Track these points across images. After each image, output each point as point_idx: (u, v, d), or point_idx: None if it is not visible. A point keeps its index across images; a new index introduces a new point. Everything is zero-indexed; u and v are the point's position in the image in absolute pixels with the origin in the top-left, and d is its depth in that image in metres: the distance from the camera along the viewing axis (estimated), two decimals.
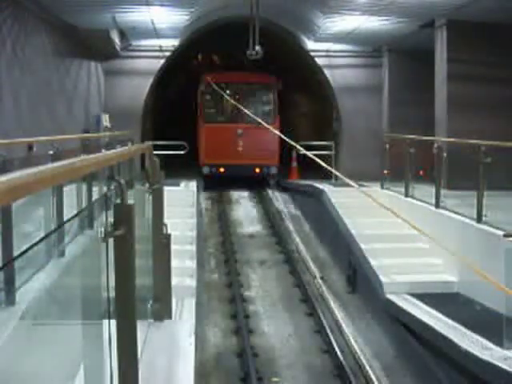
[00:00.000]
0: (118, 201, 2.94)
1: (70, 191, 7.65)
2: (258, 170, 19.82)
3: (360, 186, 11.45)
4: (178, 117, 30.15)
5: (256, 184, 20.32)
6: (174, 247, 5.44)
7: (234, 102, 18.59)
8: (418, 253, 10.64)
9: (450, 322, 8.12)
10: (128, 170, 9.89)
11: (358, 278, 11.45)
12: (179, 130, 24.22)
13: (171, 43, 18.31)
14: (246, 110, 16.65)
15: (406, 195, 12.44)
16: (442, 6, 13.16)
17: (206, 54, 32.47)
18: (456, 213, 10.28)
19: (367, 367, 8.74)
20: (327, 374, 8.86)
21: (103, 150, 10.33)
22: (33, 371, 3.15)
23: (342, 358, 8.94)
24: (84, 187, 8.43)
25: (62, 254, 5.19)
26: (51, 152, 7.85)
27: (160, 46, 18.45)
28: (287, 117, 25.40)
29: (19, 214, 5.80)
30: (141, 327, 3.41)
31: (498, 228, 8.73)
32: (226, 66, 28.56)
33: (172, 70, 22.13)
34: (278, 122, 19.86)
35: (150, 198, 4.75)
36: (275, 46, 19.93)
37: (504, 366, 6.52)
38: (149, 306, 4.73)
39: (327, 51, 18.92)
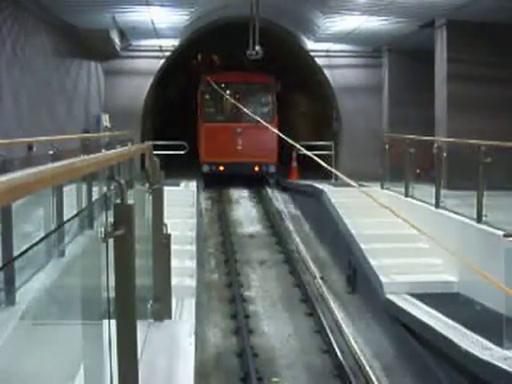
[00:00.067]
0: (118, 201, 2.94)
1: (70, 191, 7.65)
2: (256, 169, 20.04)
3: (360, 185, 11.43)
4: (177, 117, 30.16)
5: (255, 182, 20.41)
6: (173, 247, 5.44)
7: (234, 101, 18.67)
8: (418, 253, 10.64)
9: (450, 322, 8.12)
10: (128, 170, 9.88)
11: (358, 278, 11.44)
12: (179, 129, 24.27)
13: (171, 43, 18.31)
14: (245, 109, 16.71)
15: (406, 195, 12.44)
16: (441, 6, 13.16)
17: (205, 54, 32.49)
18: (456, 213, 10.27)
19: (367, 367, 8.74)
20: (327, 374, 8.86)
21: (103, 150, 10.33)
22: (33, 371, 3.15)
23: (341, 358, 8.94)
24: (84, 187, 8.43)
25: (62, 254, 5.19)
26: (51, 152, 7.85)
27: (160, 46, 18.45)
28: (287, 117, 25.40)
29: (19, 214, 5.80)
30: (141, 327, 3.41)
31: (497, 228, 8.73)
32: (226, 66, 28.60)
33: (172, 70, 22.14)
34: (277, 121, 20.03)
35: (150, 198, 4.75)
36: (275, 45, 19.95)
37: (504, 366, 6.52)
38: (149, 306, 4.72)
39: (327, 51, 18.92)
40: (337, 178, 15.72)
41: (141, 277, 3.85)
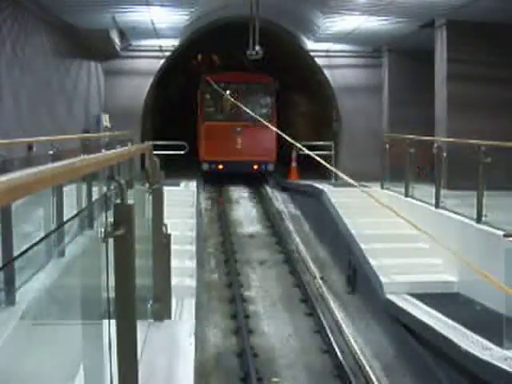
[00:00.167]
0: (118, 201, 2.94)
1: (70, 191, 7.65)
2: (255, 167, 20.28)
3: (360, 185, 11.43)
4: (177, 117, 30.18)
5: (255, 182, 20.46)
6: (173, 247, 5.45)
7: (234, 101, 18.73)
8: (418, 253, 10.63)
9: (450, 322, 8.12)
10: (128, 170, 9.88)
11: (358, 278, 11.44)
12: (179, 129, 24.31)
13: (171, 43, 18.31)
14: (244, 108, 16.76)
15: (406, 195, 12.44)
16: (441, 6, 13.16)
17: (205, 54, 32.48)
18: (456, 213, 10.27)
19: (367, 367, 8.74)
20: (327, 374, 8.87)
21: (103, 150, 10.33)
22: (33, 371, 3.15)
23: (341, 358, 8.94)
24: (84, 187, 8.42)
25: (62, 254, 5.19)
26: (51, 152, 7.85)
27: (160, 46, 18.45)
28: (287, 117, 25.43)
29: (19, 214, 5.80)
30: (141, 327, 3.40)
31: (497, 228, 8.73)
32: (226, 66, 28.65)
33: (172, 70, 22.17)
34: (276, 120, 20.14)
35: (150, 198, 4.75)
36: (275, 45, 19.97)
37: (504, 366, 6.52)
38: (149, 306, 4.72)
39: (327, 51, 18.92)
40: (337, 177, 15.73)
41: (141, 277, 3.85)
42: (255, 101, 20.91)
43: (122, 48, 17.99)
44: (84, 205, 8.21)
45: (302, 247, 14.55)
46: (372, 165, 15.39)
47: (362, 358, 9.04)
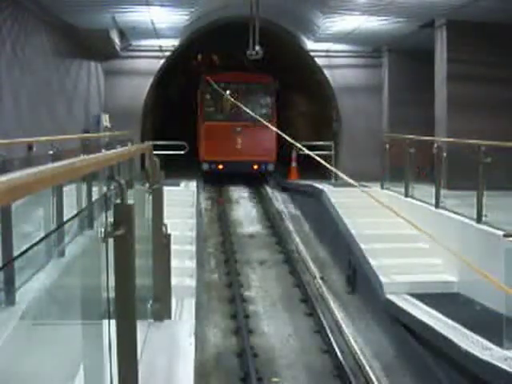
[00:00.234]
0: (118, 201, 2.94)
1: (69, 191, 7.65)
2: (255, 167, 20.30)
3: (360, 185, 11.43)
4: (178, 117, 30.16)
5: (255, 182, 20.46)
6: (173, 247, 5.45)
7: (234, 101, 18.75)
8: (418, 253, 10.63)
9: (450, 322, 8.12)
10: (128, 170, 9.88)
11: (358, 278, 11.44)
12: (179, 129, 24.31)
13: (171, 43, 18.31)
14: (244, 108, 16.77)
15: (406, 195, 12.44)
16: (441, 6, 13.16)
17: (205, 54, 32.47)
18: (456, 213, 10.27)
19: (367, 367, 8.74)
20: (327, 374, 8.87)
21: (103, 150, 10.32)
22: (33, 371, 3.15)
23: (341, 358, 8.94)
24: (84, 187, 8.42)
25: (62, 254, 5.18)
26: (51, 152, 7.85)
27: (160, 46, 18.45)
28: (287, 117, 25.42)
29: (19, 214, 5.80)
30: (141, 327, 3.40)
31: (497, 228, 8.73)
32: (226, 66, 28.64)
33: (172, 70, 22.17)
34: (276, 120, 20.15)
35: (150, 198, 4.75)
36: (275, 45, 19.97)
37: (504, 366, 6.52)
38: (149, 306, 4.72)
39: (327, 51, 18.92)
40: (337, 177, 15.73)
41: (141, 277, 3.85)
42: (255, 101, 20.93)
43: (122, 48, 17.99)
44: (84, 205, 8.21)
45: (301, 247, 14.55)
46: (372, 165, 15.39)
47: (361, 358, 9.04)
